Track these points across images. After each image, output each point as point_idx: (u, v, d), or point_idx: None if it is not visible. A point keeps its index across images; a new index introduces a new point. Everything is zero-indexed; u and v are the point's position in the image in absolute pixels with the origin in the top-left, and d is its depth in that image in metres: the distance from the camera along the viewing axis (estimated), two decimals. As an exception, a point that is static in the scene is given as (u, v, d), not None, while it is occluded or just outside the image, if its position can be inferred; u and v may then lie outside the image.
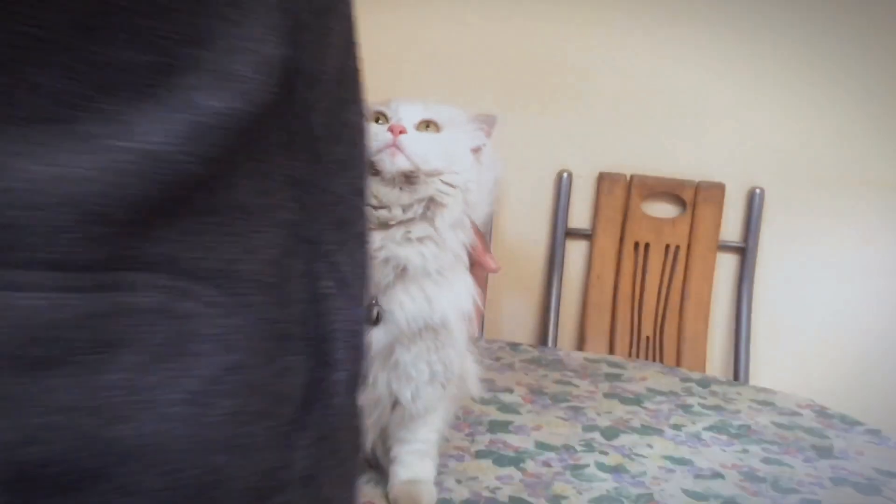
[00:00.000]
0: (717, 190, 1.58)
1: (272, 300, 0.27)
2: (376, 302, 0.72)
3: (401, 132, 0.70)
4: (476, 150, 0.76)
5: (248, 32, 0.25)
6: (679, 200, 1.60)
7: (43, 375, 0.22)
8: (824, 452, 1.12)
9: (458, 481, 0.90)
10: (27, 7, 0.21)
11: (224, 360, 0.25)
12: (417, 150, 0.70)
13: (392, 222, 0.71)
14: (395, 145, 0.69)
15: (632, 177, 1.59)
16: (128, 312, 0.24)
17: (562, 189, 1.58)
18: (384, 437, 0.84)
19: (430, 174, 0.70)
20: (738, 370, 1.58)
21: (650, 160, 1.59)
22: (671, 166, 1.58)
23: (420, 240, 0.72)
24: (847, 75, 1.56)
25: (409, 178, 0.70)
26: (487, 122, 0.77)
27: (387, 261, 0.71)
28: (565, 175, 1.59)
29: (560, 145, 1.59)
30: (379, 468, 0.87)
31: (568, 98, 1.59)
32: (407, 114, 0.72)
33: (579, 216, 1.61)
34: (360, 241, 0.32)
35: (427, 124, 0.73)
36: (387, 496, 0.83)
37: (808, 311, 1.63)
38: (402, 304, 0.72)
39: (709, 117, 1.60)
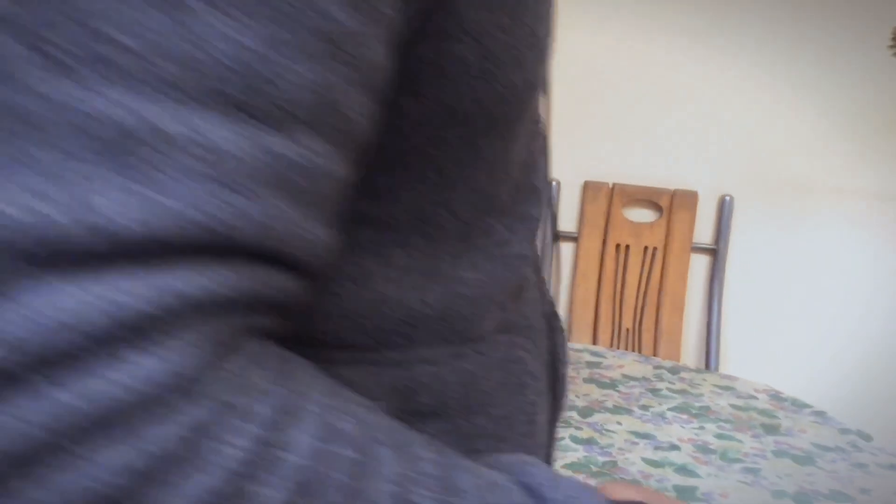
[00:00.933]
0: (691, 197, 1.75)
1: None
2: None
3: None
4: None
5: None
6: (656, 206, 1.76)
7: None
8: (771, 430, 1.29)
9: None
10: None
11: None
12: None
13: None
14: None
15: (614, 185, 1.75)
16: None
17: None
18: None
19: None
20: (708, 360, 1.76)
21: (630, 169, 1.75)
22: (649, 175, 1.75)
23: None
24: (812, 90, 1.72)
25: None
26: None
27: None
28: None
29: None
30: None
31: (557, 112, 1.76)
32: None
33: (567, 221, 1.78)
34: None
35: None
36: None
37: (774, 307, 1.80)
38: None
39: (683, 130, 1.76)
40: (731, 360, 1.77)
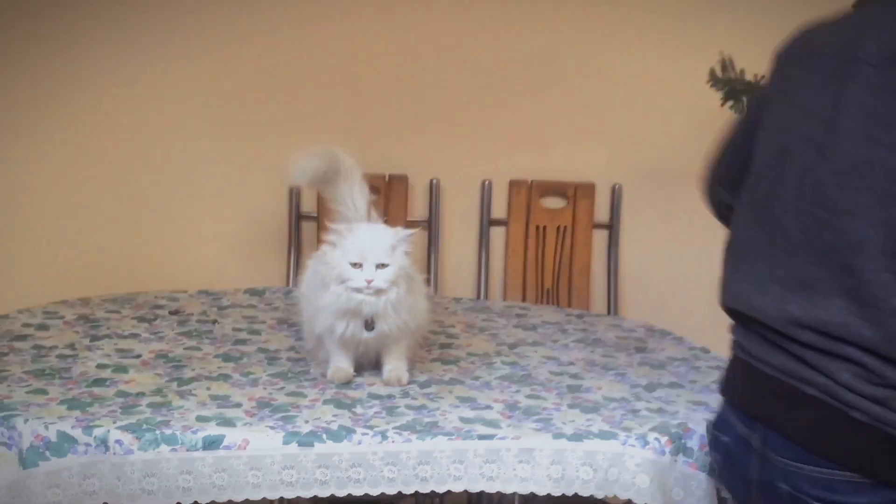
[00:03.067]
0: (590, 187, 2.32)
1: None
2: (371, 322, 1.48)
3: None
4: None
5: None
6: (564, 196, 2.34)
7: None
8: (640, 349, 1.87)
9: (420, 372, 1.63)
10: None
11: None
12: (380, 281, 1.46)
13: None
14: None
15: (532, 181, 2.32)
16: None
17: (484, 192, 2.31)
18: (382, 352, 1.57)
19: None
20: (609, 309, 2.34)
21: (543, 168, 2.32)
22: (558, 172, 2.32)
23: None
24: (681, 89, 2.26)
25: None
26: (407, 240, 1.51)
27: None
28: (486, 182, 2.32)
29: (481, 161, 2.31)
30: (379, 367, 1.59)
31: (487, 124, 2.31)
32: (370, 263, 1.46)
33: (498, 210, 2.34)
34: None
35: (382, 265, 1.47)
36: (383, 381, 1.56)
37: (657, 266, 2.39)
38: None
39: (581, 136, 2.33)
40: (627, 308, 2.37)
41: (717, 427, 1.27)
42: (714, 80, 1.97)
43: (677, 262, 2.40)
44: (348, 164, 1.67)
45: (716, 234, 2.37)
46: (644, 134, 2.34)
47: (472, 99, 2.28)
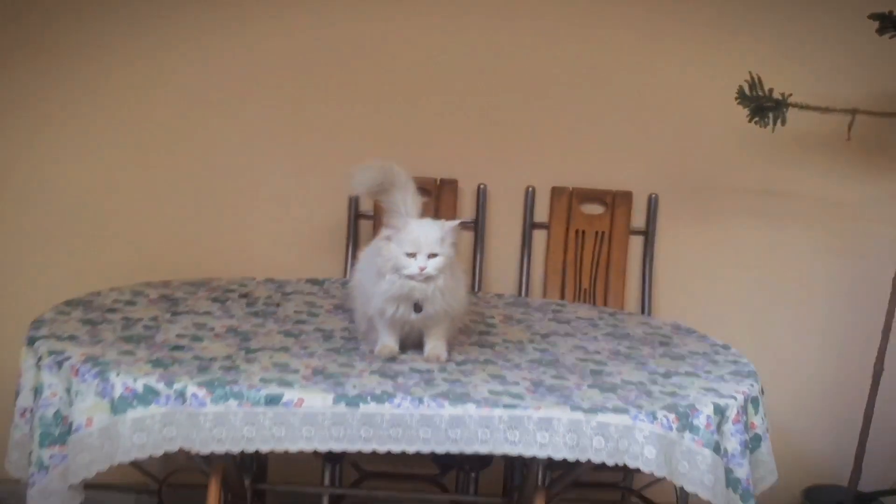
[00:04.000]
0: (627, 195, 2.48)
1: None
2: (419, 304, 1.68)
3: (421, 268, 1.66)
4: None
5: None
6: (603, 202, 2.50)
7: None
8: (664, 343, 2.02)
9: (458, 353, 1.82)
10: None
11: None
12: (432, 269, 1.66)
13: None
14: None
15: (573, 189, 2.49)
16: None
17: (528, 197, 2.49)
18: (425, 331, 1.76)
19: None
20: (643, 310, 2.49)
21: (584, 176, 2.48)
22: (597, 181, 2.48)
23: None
24: (716, 104, 2.40)
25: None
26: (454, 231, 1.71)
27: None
28: (530, 189, 2.50)
29: (526, 168, 2.49)
30: (421, 347, 1.78)
31: (532, 134, 2.49)
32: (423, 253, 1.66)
33: (540, 215, 2.51)
34: None
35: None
36: (424, 357, 1.75)
37: (689, 271, 2.53)
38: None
39: (621, 146, 2.49)
40: (660, 310, 2.51)
41: None
42: (742, 98, 2.11)
43: (709, 269, 2.54)
44: (402, 176, 1.85)
45: (746, 243, 2.52)
46: (680, 146, 2.49)
47: (518, 110, 2.47)
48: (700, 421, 1.58)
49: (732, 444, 1.63)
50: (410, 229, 1.68)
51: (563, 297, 2.48)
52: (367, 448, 1.54)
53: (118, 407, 1.52)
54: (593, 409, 1.55)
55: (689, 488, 1.56)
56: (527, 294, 2.49)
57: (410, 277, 1.67)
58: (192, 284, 2.19)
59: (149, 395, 1.52)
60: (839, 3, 2.41)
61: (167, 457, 2.31)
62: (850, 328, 2.55)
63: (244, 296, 2.13)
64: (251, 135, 2.45)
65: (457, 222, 1.73)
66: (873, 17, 2.06)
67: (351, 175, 1.86)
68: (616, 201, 2.48)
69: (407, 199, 1.84)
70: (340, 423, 1.52)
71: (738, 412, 1.64)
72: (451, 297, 1.72)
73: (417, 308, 1.70)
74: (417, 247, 1.66)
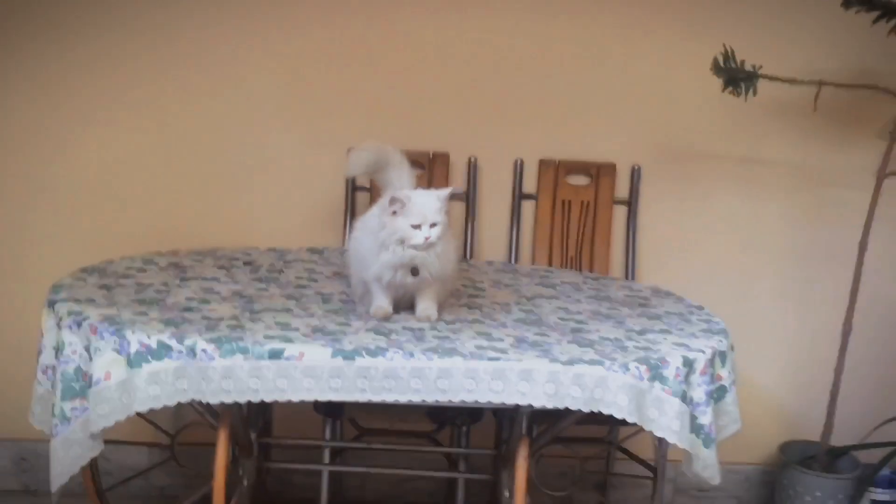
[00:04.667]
0: (611, 167, 2.61)
1: None
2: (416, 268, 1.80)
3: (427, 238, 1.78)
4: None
5: None
6: (588, 174, 2.62)
7: None
8: (643, 305, 2.15)
9: (448, 314, 1.95)
10: None
11: None
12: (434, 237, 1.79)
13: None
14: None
15: (559, 161, 2.61)
16: None
17: (517, 169, 2.62)
18: (417, 293, 1.89)
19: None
20: (627, 275, 2.63)
21: (570, 149, 2.60)
22: (583, 152, 2.61)
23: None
24: (694, 79, 2.52)
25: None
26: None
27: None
28: (519, 161, 2.62)
29: (515, 142, 2.61)
30: (412, 308, 1.92)
31: (521, 109, 2.60)
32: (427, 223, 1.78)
33: (528, 185, 2.64)
34: None
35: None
36: (416, 317, 1.88)
37: (671, 239, 2.66)
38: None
39: (604, 119, 2.61)
40: (642, 276, 2.64)
41: None
42: (717, 69, 2.23)
43: (689, 236, 2.67)
44: (396, 154, 1.98)
45: (724, 212, 2.64)
46: (661, 120, 2.61)
47: (507, 87, 2.58)
48: (669, 372, 1.72)
49: (698, 393, 1.76)
50: (415, 202, 1.79)
51: (550, 263, 2.61)
52: (362, 398, 1.68)
53: (134, 361, 1.66)
54: (571, 361, 1.69)
55: (657, 433, 1.71)
56: (516, 261, 2.62)
57: (415, 247, 1.79)
58: (198, 253, 2.32)
59: (162, 351, 1.66)
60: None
61: (179, 413, 2.48)
62: (820, 290, 2.69)
63: (248, 263, 2.26)
64: (254, 115, 2.57)
65: (449, 190, 1.86)
66: None
67: (347, 160, 1.99)
68: (600, 173, 2.61)
69: (402, 176, 1.96)
70: (338, 375, 1.66)
71: (705, 364, 1.78)
72: (444, 260, 1.86)
73: (414, 272, 1.82)
74: (423, 218, 1.78)
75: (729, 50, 2.23)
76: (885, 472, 2.61)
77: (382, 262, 1.81)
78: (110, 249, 2.31)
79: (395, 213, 1.79)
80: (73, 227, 2.57)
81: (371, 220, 1.89)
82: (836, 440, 2.58)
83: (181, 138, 2.58)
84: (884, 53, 2.41)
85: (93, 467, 2.06)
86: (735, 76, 2.20)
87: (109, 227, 2.57)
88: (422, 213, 1.78)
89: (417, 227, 1.78)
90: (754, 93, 2.20)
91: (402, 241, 1.78)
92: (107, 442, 1.79)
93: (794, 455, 2.62)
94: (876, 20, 2.24)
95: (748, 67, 2.21)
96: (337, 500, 2.59)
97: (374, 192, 2.56)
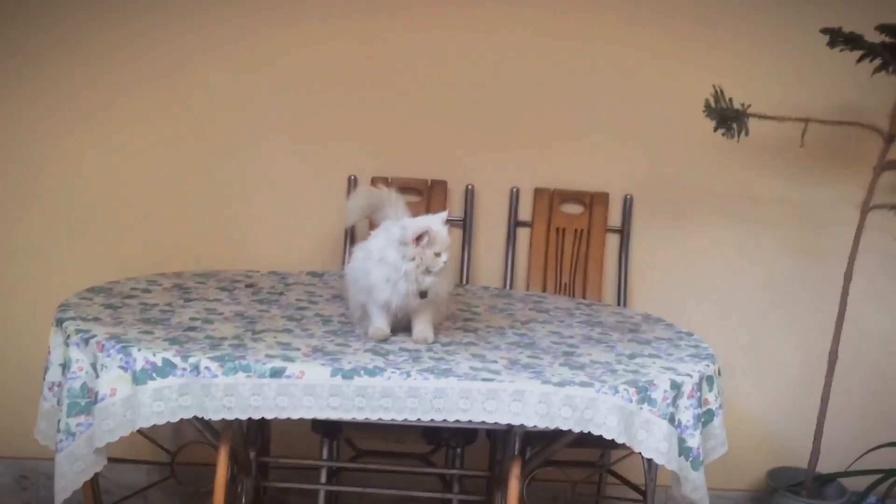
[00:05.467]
0: (604, 196, 2.68)
1: None
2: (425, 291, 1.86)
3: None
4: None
5: None
6: (582, 203, 2.70)
7: None
8: (633, 330, 2.21)
9: (444, 336, 2.01)
10: None
11: None
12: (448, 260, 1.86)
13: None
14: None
15: (554, 190, 2.69)
16: None
17: (513, 197, 2.69)
18: (413, 316, 1.95)
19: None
20: (618, 301, 2.69)
21: (564, 178, 2.68)
22: (577, 182, 2.68)
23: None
24: (686, 113, 2.59)
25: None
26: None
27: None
28: (515, 189, 2.70)
29: (511, 171, 2.68)
30: (409, 329, 1.98)
31: (517, 139, 2.68)
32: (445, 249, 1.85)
33: (524, 213, 2.71)
34: None
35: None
36: (413, 339, 1.94)
37: (662, 267, 2.73)
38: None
39: (598, 151, 2.69)
40: (634, 302, 2.71)
41: None
42: (708, 110, 2.31)
43: (680, 265, 2.74)
44: (389, 194, 2.07)
45: (714, 241, 2.72)
46: (653, 151, 2.69)
47: (504, 117, 2.66)
48: (657, 395, 1.77)
49: (686, 416, 1.82)
50: (437, 231, 1.85)
51: (544, 289, 2.67)
52: (360, 416, 1.73)
53: (139, 378, 1.71)
54: (562, 383, 1.75)
55: (646, 454, 1.76)
56: (511, 287, 2.68)
57: (435, 274, 1.85)
58: (201, 275, 2.38)
59: (167, 368, 1.71)
60: (796, 20, 2.61)
61: (179, 432, 2.52)
62: (807, 320, 2.75)
63: (250, 286, 2.32)
64: (257, 141, 2.65)
65: (445, 213, 1.93)
66: (824, 31, 2.26)
67: (344, 209, 2.06)
68: (594, 201, 2.68)
69: (398, 212, 2.03)
70: (337, 393, 1.72)
71: (692, 388, 1.83)
72: (445, 281, 1.93)
73: (423, 295, 1.88)
74: (442, 245, 1.85)
75: (719, 90, 2.31)
76: (871, 499, 2.66)
77: (400, 291, 1.85)
78: (115, 271, 2.37)
79: (423, 245, 1.84)
80: (78, 249, 2.63)
81: (377, 248, 1.90)
82: (823, 467, 2.63)
83: (185, 163, 2.65)
84: (868, 91, 2.49)
85: (94, 483, 2.10)
86: (726, 116, 2.27)
87: (114, 249, 2.63)
88: (441, 239, 1.85)
89: (438, 254, 1.84)
90: (746, 133, 2.28)
91: (427, 270, 1.84)
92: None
93: (782, 481, 2.67)
94: (860, 59, 2.33)
95: (737, 106, 2.29)
96: (332, 521, 2.63)
97: (371, 219, 2.63)
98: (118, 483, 2.60)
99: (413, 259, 1.83)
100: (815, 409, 2.58)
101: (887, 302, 2.77)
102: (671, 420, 1.78)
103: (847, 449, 2.72)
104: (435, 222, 1.88)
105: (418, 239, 1.83)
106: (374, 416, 1.73)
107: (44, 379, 1.93)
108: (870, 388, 2.81)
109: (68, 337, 1.84)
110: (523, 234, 2.71)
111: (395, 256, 1.84)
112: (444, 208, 2.63)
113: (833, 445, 2.65)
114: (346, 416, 1.73)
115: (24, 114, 2.59)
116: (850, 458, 2.71)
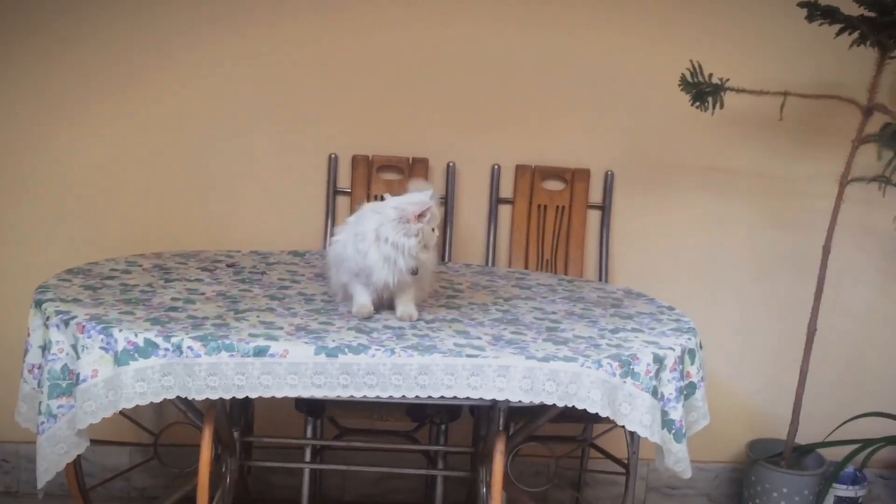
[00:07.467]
0: (585, 172, 2.68)
1: None
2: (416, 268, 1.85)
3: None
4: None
5: None
6: (563, 179, 2.70)
7: None
8: (615, 305, 2.22)
9: (427, 313, 2.01)
10: None
11: None
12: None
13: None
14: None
15: (535, 166, 2.69)
16: None
17: (494, 175, 2.69)
18: (397, 294, 1.94)
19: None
20: (600, 277, 2.70)
21: (545, 154, 2.68)
22: (558, 159, 2.68)
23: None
24: (665, 88, 2.59)
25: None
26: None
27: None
28: (496, 167, 2.69)
29: (492, 148, 2.68)
30: (392, 307, 1.97)
31: (498, 116, 2.67)
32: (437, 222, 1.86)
33: (505, 190, 2.71)
34: None
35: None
36: (397, 316, 1.94)
37: (643, 241, 2.74)
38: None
39: (579, 126, 2.69)
40: (615, 278, 2.72)
41: None
42: (685, 85, 2.31)
43: (661, 239, 2.75)
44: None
45: (694, 216, 2.73)
46: (633, 127, 2.69)
47: (486, 94, 2.65)
48: (640, 368, 1.78)
49: (669, 389, 1.83)
50: (432, 209, 1.86)
51: (526, 266, 2.68)
52: (345, 394, 1.73)
53: (121, 359, 1.70)
54: (546, 358, 1.75)
55: (629, 427, 1.77)
56: (493, 264, 2.68)
57: (430, 248, 1.89)
58: (182, 256, 2.36)
59: (149, 349, 1.70)
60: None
61: (162, 413, 2.51)
62: (786, 292, 2.78)
63: (231, 265, 2.31)
64: (237, 120, 2.62)
65: (431, 189, 1.94)
66: (801, 4, 2.27)
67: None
68: (575, 178, 2.68)
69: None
70: (321, 372, 1.71)
71: (675, 361, 1.85)
72: (432, 256, 1.94)
73: (414, 271, 1.87)
74: (436, 220, 1.87)
75: (696, 65, 2.31)
76: (849, 469, 2.70)
77: (399, 269, 1.85)
78: (93, 252, 2.34)
79: (425, 222, 1.85)
80: (56, 231, 2.60)
81: (371, 230, 1.86)
82: (802, 438, 2.67)
83: (165, 142, 2.61)
84: (847, 65, 2.51)
85: (76, 465, 2.09)
86: (703, 91, 2.28)
87: (92, 230, 2.60)
88: (435, 215, 1.87)
89: (433, 229, 1.87)
90: (721, 106, 2.29)
91: (425, 246, 1.85)
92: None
93: (762, 453, 2.70)
94: (839, 33, 2.34)
95: (715, 80, 2.30)
96: (317, 499, 2.63)
97: (353, 196, 2.62)
98: (101, 465, 2.59)
99: (416, 235, 1.83)
100: (794, 382, 2.61)
101: (865, 274, 2.80)
102: (654, 393, 1.79)
103: (825, 420, 2.76)
104: (425, 198, 1.89)
105: (420, 216, 1.83)
106: (358, 394, 1.73)
107: (24, 361, 1.91)
108: (847, 360, 2.85)
109: (48, 318, 1.82)
110: (505, 211, 2.71)
111: (395, 235, 1.83)
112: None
113: (812, 417, 2.69)
114: (331, 394, 1.73)
115: (1, 98, 2.54)
116: (828, 429, 2.75)
